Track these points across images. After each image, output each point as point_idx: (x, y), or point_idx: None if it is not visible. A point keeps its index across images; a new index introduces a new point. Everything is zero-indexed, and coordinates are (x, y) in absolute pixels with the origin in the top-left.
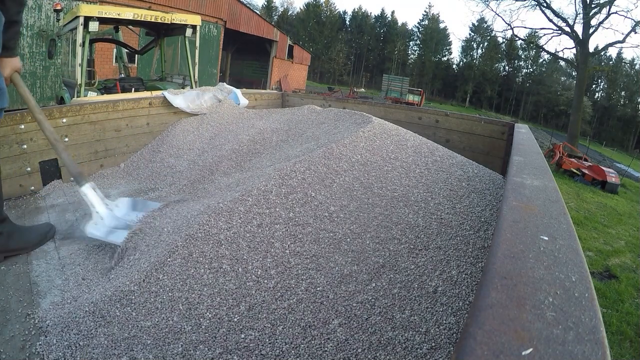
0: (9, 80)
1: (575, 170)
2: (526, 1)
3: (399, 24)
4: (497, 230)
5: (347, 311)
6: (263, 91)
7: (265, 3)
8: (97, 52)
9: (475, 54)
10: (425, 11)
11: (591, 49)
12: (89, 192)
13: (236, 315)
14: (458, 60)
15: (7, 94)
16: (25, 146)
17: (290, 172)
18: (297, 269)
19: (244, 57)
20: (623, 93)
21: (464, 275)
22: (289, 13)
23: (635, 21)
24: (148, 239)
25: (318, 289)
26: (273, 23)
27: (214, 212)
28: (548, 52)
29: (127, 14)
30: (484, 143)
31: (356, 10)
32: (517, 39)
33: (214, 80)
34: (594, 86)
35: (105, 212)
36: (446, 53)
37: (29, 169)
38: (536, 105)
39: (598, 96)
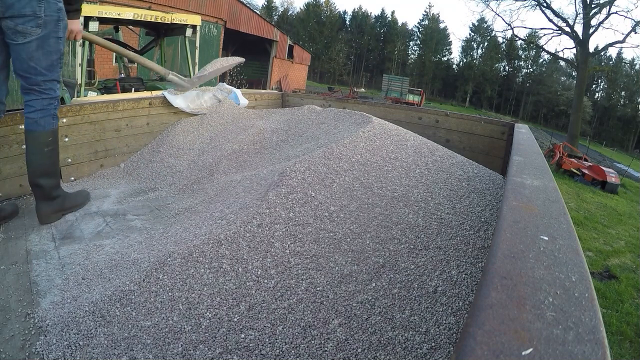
0: (80, 35)
1: (575, 170)
2: (526, 1)
3: (399, 24)
4: (497, 230)
5: (347, 311)
6: (263, 91)
7: (265, 3)
8: (97, 52)
9: (475, 54)
10: (425, 11)
11: (591, 49)
12: (174, 77)
13: (236, 315)
14: (458, 60)
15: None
16: (25, 146)
17: (290, 172)
18: (297, 268)
19: (243, 57)
20: (623, 93)
21: (464, 275)
22: (289, 13)
23: (635, 21)
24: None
25: (318, 288)
26: (273, 23)
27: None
28: (548, 52)
29: (127, 14)
30: (484, 143)
31: (356, 10)
32: (517, 39)
33: (214, 80)
34: (594, 86)
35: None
36: (446, 53)
37: None
38: (536, 105)
39: (598, 96)
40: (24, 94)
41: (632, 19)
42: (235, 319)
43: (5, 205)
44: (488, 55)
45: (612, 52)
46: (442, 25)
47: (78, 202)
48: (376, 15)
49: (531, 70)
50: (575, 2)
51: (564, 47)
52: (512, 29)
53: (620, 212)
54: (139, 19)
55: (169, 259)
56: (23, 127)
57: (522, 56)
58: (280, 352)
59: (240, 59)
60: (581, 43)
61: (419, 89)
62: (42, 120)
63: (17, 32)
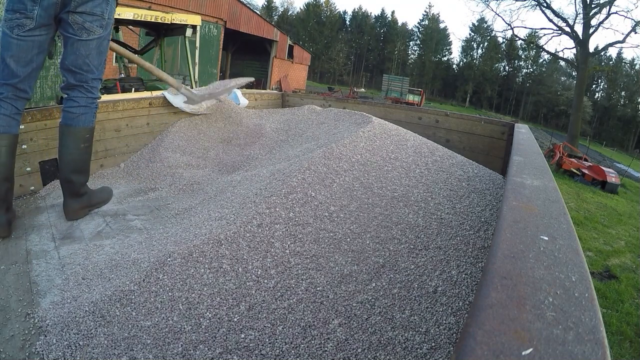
0: None
1: (575, 170)
2: (526, 1)
3: (399, 24)
4: (497, 230)
5: (347, 311)
6: (263, 91)
7: (265, 3)
8: None
9: (475, 54)
10: (425, 11)
11: (591, 49)
12: (186, 91)
13: (236, 315)
14: (458, 60)
15: None
16: (25, 146)
17: (291, 172)
18: (297, 268)
19: (244, 57)
20: (623, 93)
21: (464, 275)
22: (289, 13)
23: (635, 21)
24: (149, 241)
25: (318, 289)
26: (273, 23)
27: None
28: (548, 52)
29: (127, 14)
30: (484, 143)
31: (356, 10)
32: (517, 39)
33: (214, 80)
34: (594, 86)
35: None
36: (446, 53)
37: (29, 169)
38: (536, 105)
39: (598, 96)
40: (68, 90)
41: (632, 19)
42: (235, 319)
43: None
44: (488, 55)
45: (612, 52)
46: (442, 25)
47: (103, 199)
48: (376, 15)
49: (531, 70)
50: (575, 2)
51: (564, 47)
52: (512, 29)
53: (620, 212)
54: (139, 19)
55: (169, 259)
56: (23, 127)
57: (522, 56)
58: (280, 352)
59: (250, 79)
60: (581, 43)
61: (419, 89)
62: (83, 116)
63: (83, 28)
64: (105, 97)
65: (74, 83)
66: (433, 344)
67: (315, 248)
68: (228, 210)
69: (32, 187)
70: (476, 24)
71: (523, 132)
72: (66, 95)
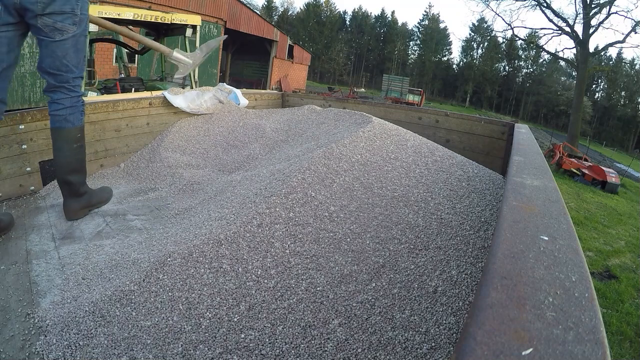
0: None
1: (575, 170)
2: (526, 1)
3: (399, 24)
4: (497, 230)
5: (347, 311)
6: (263, 91)
7: (265, 3)
8: (97, 52)
9: (475, 54)
10: (425, 11)
11: (591, 49)
12: (178, 55)
13: (236, 315)
14: (458, 60)
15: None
16: (25, 146)
17: (291, 172)
18: (297, 268)
19: (244, 57)
20: (623, 93)
21: (464, 275)
22: (289, 13)
23: (635, 21)
24: (150, 241)
25: (318, 288)
26: (273, 23)
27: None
28: (548, 52)
29: (127, 14)
30: (484, 143)
31: (356, 10)
32: (517, 39)
33: (214, 80)
34: (594, 86)
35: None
36: (446, 53)
37: (29, 169)
38: (536, 105)
39: (598, 96)
40: (50, 93)
41: (632, 19)
42: (235, 319)
43: (2, 215)
44: (488, 55)
45: (612, 52)
46: (442, 25)
47: (103, 199)
48: (376, 15)
49: (531, 70)
50: (575, 2)
51: (564, 47)
52: (512, 29)
53: (620, 212)
54: (139, 19)
55: (169, 259)
56: (23, 127)
57: (522, 56)
58: (280, 352)
59: (224, 36)
60: (581, 43)
61: (419, 89)
62: (71, 116)
63: (55, 29)
64: (105, 97)
65: (56, 84)
66: (433, 344)
67: (315, 248)
68: (228, 210)
69: (32, 187)
70: (476, 24)
71: (523, 132)
72: (50, 98)
